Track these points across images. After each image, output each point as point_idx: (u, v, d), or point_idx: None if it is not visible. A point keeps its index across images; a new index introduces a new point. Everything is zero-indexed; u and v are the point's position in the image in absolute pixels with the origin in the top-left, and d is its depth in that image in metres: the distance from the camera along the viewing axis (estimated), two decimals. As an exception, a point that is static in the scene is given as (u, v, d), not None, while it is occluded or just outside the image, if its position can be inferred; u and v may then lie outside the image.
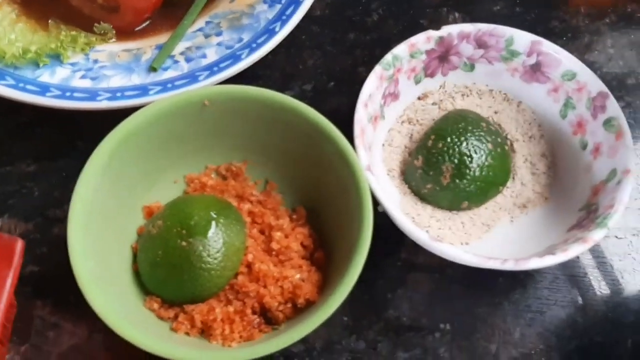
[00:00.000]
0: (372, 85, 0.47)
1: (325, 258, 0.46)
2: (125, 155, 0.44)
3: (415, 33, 0.57)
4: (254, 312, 0.43)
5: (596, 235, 0.42)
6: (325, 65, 0.58)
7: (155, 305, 0.43)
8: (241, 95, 0.45)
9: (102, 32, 0.54)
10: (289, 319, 0.43)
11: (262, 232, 0.46)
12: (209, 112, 0.46)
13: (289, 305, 0.43)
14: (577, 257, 0.49)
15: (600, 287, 0.49)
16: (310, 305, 0.42)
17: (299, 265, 0.44)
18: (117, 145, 0.43)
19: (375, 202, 0.43)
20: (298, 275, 0.43)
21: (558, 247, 0.43)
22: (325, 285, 0.44)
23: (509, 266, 0.41)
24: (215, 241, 0.42)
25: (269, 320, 0.43)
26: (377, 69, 0.48)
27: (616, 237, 0.51)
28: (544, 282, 0.48)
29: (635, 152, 0.54)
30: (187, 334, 0.42)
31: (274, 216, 0.47)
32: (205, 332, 0.42)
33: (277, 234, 0.45)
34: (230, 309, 0.42)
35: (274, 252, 0.44)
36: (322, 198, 0.47)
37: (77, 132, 0.53)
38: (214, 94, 0.45)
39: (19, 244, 0.38)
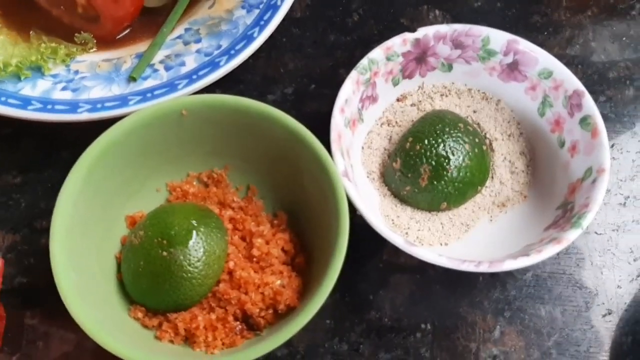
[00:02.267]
0: (349, 90, 0.48)
1: (305, 262, 0.46)
2: (104, 167, 0.44)
3: (396, 32, 0.58)
4: (235, 319, 0.44)
5: (570, 236, 0.43)
6: (306, 68, 0.58)
7: (140, 314, 0.44)
8: (218, 104, 0.46)
9: (83, 41, 0.55)
10: (271, 324, 0.44)
11: (243, 238, 0.47)
12: (187, 121, 0.46)
13: (270, 311, 0.44)
14: (557, 254, 0.49)
15: (580, 284, 0.49)
16: (291, 311, 0.43)
17: (279, 271, 0.45)
18: (96, 158, 0.44)
19: (354, 207, 0.44)
20: (279, 282, 0.44)
21: (534, 247, 0.44)
22: (305, 290, 0.44)
23: (483, 268, 0.41)
24: (196, 250, 0.43)
25: (250, 326, 0.44)
26: (353, 74, 0.48)
27: (596, 233, 0.51)
28: (524, 280, 0.49)
29: (617, 146, 0.55)
30: (171, 342, 0.43)
31: (255, 222, 0.47)
32: (189, 339, 0.43)
33: (258, 241, 0.46)
34: (213, 316, 0.43)
35: (255, 259, 0.45)
36: (302, 202, 0.48)
37: (61, 143, 0.54)
38: (191, 104, 0.46)
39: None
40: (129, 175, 0.47)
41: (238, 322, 0.44)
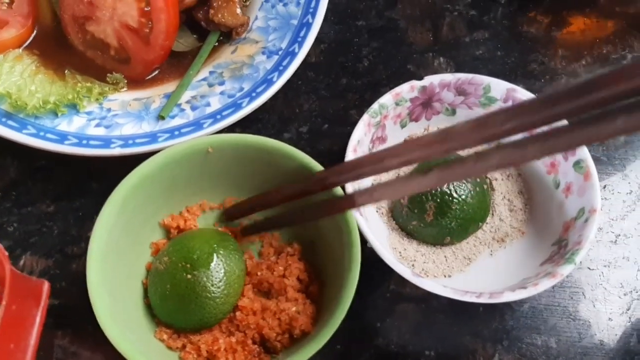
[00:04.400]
0: (361, 132, 0.52)
1: (319, 290, 0.50)
2: (137, 198, 0.48)
3: (403, 77, 0.62)
4: (254, 342, 0.47)
5: (564, 271, 0.46)
6: (319, 109, 0.63)
7: (165, 336, 0.47)
8: (242, 143, 0.50)
9: (115, 81, 0.59)
10: (286, 348, 0.47)
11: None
12: (212, 158, 0.50)
13: (286, 335, 0.47)
14: (552, 287, 0.53)
15: (574, 316, 0.53)
16: (305, 335, 0.47)
17: (294, 298, 0.48)
18: (130, 190, 0.47)
19: (365, 240, 0.47)
20: (294, 308, 0.47)
21: (530, 280, 0.48)
22: (319, 316, 0.48)
23: (484, 299, 0.45)
24: (217, 271, 0.47)
25: (267, 349, 0.47)
26: (365, 118, 0.52)
27: (589, 268, 0.55)
28: (521, 311, 0.53)
29: (608, 187, 0.59)
30: None
31: (273, 251, 0.51)
32: None
33: (277, 269, 0.49)
34: (233, 339, 0.47)
35: (273, 287, 0.49)
36: (315, 234, 0.51)
37: (91, 175, 0.58)
38: (217, 142, 0.50)
39: (45, 286, 0.42)
40: (156, 206, 0.51)
41: (256, 346, 0.47)
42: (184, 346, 0.47)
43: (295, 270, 0.50)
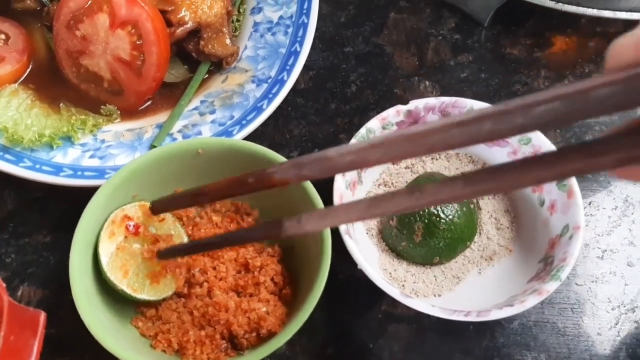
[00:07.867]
0: (349, 157, 0.53)
1: (293, 294, 0.51)
2: (126, 190, 0.51)
3: (390, 101, 0.64)
4: (222, 338, 0.49)
5: (550, 287, 0.47)
6: (309, 134, 0.64)
7: (140, 324, 0.50)
8: (231, 146, 0.52)
9: (108, 113, 0.61)
10: (254, 346, 0.48)
11: (236, 260, 0.52)
12: (201, 159, 0.52)
13: (254, 334, 0.48)
14: (541, 304, 0.54)
15: (563, 331, 0.54)
16: (272, 336, 0.47)
17: (266, 299, 0.49)
18: (120, 183, 0.50)
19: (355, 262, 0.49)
20: (264, 309, 0.49)
21: (518, 297, 0.48)
22: (289, 319, 0.48)
23: (472, 318, 0.46)
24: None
25: (235, 345, 0.49)
26: (353, 143, 0.54)
27: (576, 284, 0.56)
28: (511, 328, 0.53)
29: (594, 204, 0.60)
30: (164, 351, 0.48)
31: (253, 250, 0.52)
32: (180, 351, 0.49)
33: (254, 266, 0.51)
34: (203, 333, 0.48)
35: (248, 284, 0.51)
36: (298, 241, 0.52)
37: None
38: (207, 144, 0.52)
39: (42, 316, 0.43)
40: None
41: (224, 341, 0.49)
42: (156, 334, 0.49)
43: (271, 271, 0.51)
